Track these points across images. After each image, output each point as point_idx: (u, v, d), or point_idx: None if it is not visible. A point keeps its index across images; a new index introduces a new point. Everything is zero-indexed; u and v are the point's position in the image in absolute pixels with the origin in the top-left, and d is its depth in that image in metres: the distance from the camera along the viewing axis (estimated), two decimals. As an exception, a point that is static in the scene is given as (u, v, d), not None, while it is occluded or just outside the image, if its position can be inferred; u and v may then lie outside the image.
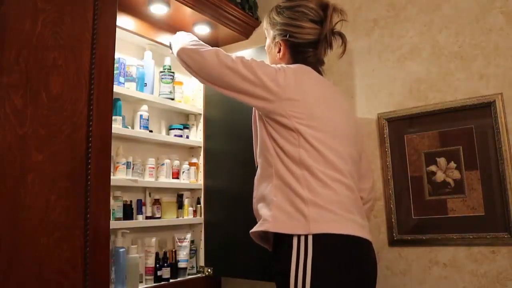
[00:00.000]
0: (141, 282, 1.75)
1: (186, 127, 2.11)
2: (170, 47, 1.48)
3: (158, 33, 1.95)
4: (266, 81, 1.17)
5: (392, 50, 1.81)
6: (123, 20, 1.78)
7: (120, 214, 1.70)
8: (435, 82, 1.70)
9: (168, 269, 1.83)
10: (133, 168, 1.80)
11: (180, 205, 2.02)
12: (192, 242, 2.00)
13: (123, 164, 1.73)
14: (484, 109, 1.59)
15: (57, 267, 1.11)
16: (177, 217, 1.98)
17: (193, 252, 2.01)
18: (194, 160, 2.12)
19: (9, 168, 1.05)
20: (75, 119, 1.20)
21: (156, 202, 1.90)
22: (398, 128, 1.76)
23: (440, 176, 1.65)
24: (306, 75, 1.25)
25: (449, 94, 1.67)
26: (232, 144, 1.96)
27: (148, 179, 1.87)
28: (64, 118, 1.17)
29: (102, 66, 1.28)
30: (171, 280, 1.84)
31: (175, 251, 1.92)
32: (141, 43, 1.98)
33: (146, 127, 1.86)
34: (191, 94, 2.20)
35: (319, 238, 1.08)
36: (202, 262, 2.01)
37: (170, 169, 1.98)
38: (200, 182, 2.09)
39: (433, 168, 1.67)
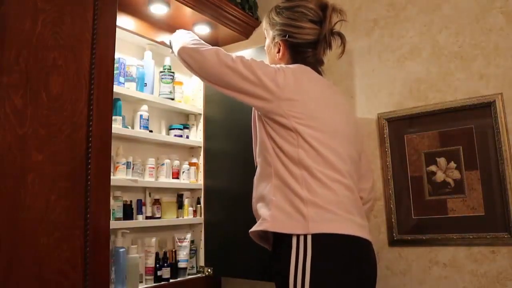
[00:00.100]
0: (141, 282, 1.75)
1: (186, 127, 2.11)
2: (170, 45, 1.48)
3: (158, 33, 1.95)
4: (266, 80, 1.17)
5: (392, 50, 1.81)
6: (123, 20, 1.78)
7: (120, 214, 1.70)
8: (435, 82, 1.70)
9: (168, 269, 1.83)
10: (133, 168, 1.80)
11: (180, 205, 2.02)
12: (192, 242, 2.00)
13: (123, 164, 1.73)
14: (484, 109, 1.59)
15: (57, 267, 1.11)
16: (177, 217, 1.98)
17: (193, 252, 2.01)
18: (194, 160, 2.12)
19: (9, 168, 1.05)
20: (75, 119, 1.20)
21: (156, 202, 1.90)
22: (398, 128, 1.76)
23: (440, 176, 1.65)
24: (305, 75, 1.25)
25: (449, 94, 1.67)
26: (232, 144, 1.96)
27: (148, 179, 1.87)
28: (64, 118, 1.17)
29: (102, 66, 1.28)
30: (171, 280, 1.84)
31: (175, 251, 1.92)
32: (141, 43, 1.98)
33: (146, 127, 1.86)
34: (191, 94, 2.20)
35: (318, 238, 1.08)
36: (202, 262, 2.01)
37: (170, 169, 1.98)
38: (200, 182, 2.09)
39: (433, 168, 1.67)
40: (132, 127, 1.85)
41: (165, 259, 1.85)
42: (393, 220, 1.71)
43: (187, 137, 2.10)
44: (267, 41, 1.40)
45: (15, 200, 1.05)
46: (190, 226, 2.08)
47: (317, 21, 1.30)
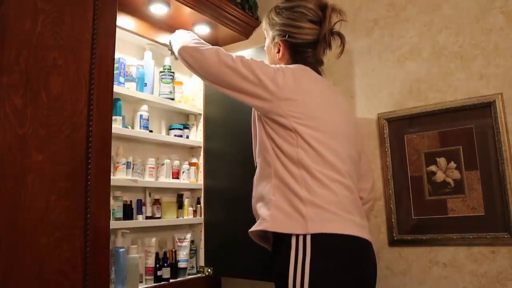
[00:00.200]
0: (141, 282, 1.75)
1: (186, 127, 2.11)
2: (169, 45, 1.48)
3: (158, 33, 1.95)
4: (265, 80, 1.17)
5: (392, 50, 1.81)
6: (123, 20, 1.78)
7: (120, 214, 1.70)
8: (435, 82, 1.70)
9: (168, 269, 1.83)
10: (133, 168, 1.80)
11: (180, 205, 2.02)
12: (192, 242, 2.00)
13: (123, 164, 1.73)
14: (484, 109, 1.59)
15: (57, 267, 1.11)
16: (177, 217, 1.98)
17: (193, 252, 2.01)
18: (194, 160, 2.12)
19: (9, 168, 1.05)
20: (75, 119, 1.20)
21: (156, 202, 1.90)
22: (398, 128, 1.76)
23: (440, 176, 1.65)
24: (305, 75, 1.25)
25: (449, 94, 1.67)
26: (232, 144, 1.96)
27: (148, 179, 1.87)
28: (64, 118, 1.17)
29: (102, 66, 1.28)
30: (171, 280, 1.84)
31: (175, 251, 1.92)
32: (141, 43, 1.98)
33: (146, 127, 1.87)
34: (191, 94, 2.20)
35: (317, 238, 1.08)
36: (202, 262, 2.02)
37: (170, 169, 1.98)
38: (200, 182, 2.09)
39: (433, 168, 1.67)
40: (132, 127, 1.85)
41: (165, 259, 1.85)
42: (393, 220, 1.71)
43: (187, 137, 2.10)
44: (267, 41, 1.40)
45: (15, 200, 1.05)
46: (190, 226, 2.08)
47: (317, 21, 1.30)
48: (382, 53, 1.84)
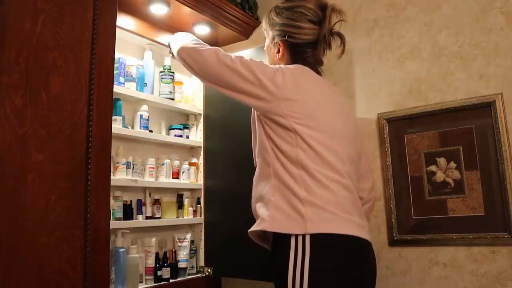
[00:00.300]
0: (141, 282, 1.75)
1: (186, 127, 2.11)
2: (169, 47, 1.48)
3: (158, 33, 1.95)
4: (264, 80, 1.17)
5: (392, 50, 1.81)
6: (123, 20, 1.78)
7: (120, 214, 1.70)
8: (435, 82, 1.70)
9: (168, 269, 1.83)
10: (133, 168, 1.80)
11: (180, 205, 2.02)
12: (192, 242, 2.00)
13: (123, 164, 1.73)
14: (484, 109, 1.59)
15: (57, 267, 1.11)
16: (177, 217, 1.98)
17: (193, 252, 2.01)
18: (194, 160, 2.12)
19: (9, 168, 1.05)
20: (75, 119, 1.20)
21: (156, 202, 1.90)
22: (398, 128, 1.76)
23: (440, 176, 1.65)
24: (304, 75, 1.25)
25: (449, 94, 1.67)
26: (232, 144, 1.96)
27: (148, 179, 1.87)
28: (64, 118, 1.17)
29: (102, 66, 1.28)
30: (171, 280, 1.84)
31: (175, 251, 1.92)
32: (141, 43, 1.98)
33: (146, 127, 1.87)
34: (191, 94, 2.20)
35: (316, 238, 1.08)
36: (202, 262, 2.02)
37: (170, 169, 1.98)
38: (200, 182, 2.09)
39: (433, 168, 1.67)
40: (132, 127, 1.85)
41: (165, 259, 1.85)
42: (393, 220, 1.71)
43: (187, 137, 2.10)
44: (267, 41, 1.40)
45: (15, 200, 1.05)
46: (190, 226, 2.08)
47: (317, 21, 1.30)
48: (382, 53, 1.84)
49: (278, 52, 1.34)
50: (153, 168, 1.90)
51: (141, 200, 1.85)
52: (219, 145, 2.05)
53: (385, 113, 1.79)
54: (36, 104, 1.11)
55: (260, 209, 1.20)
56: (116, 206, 1.69)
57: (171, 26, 1.98)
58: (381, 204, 1.75)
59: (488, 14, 1.63)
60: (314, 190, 1.12)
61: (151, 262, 1.79)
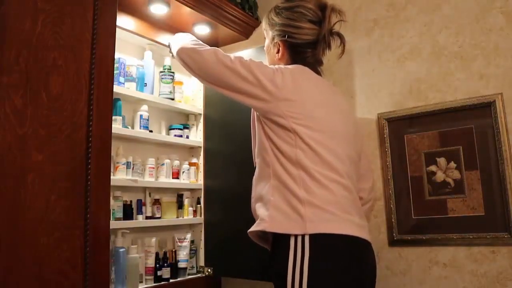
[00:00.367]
0: (141, 282, 1.75)
1: (186, 127, 2.11)
2: (169, 47, 1.48)
3: (158, 33, 1.95)
4: (264, 81, 1.17)
5: (392, 50, 1.81)
6: (123, 20, 1.78)
7: (120, 214, 1.70)
8: (435, 82, 1.70)
9: (168, 269, 1.83)
10: (133, 168, 1.80)
11: (180, 205, 2.02)
12: (192, 242, 2.00)
13: (123, 164, 1.73)
14: (484, 109, 1.59)
15: (57, 267, 1.11)
16: (177, 217, 1.98)
17: (193, 252, 2.01)
18: (194, 160, 2.12)
19: (9, 168, 1.05)
20: (75, 119, 1.20)
21: (156, 202, 1.90)
22: (398, 128, 1.76)
23: (440, 176, 1.65)
24: (304, 75, 1.25)
25: (449, 94, 1.67)
26: (232, 144, 1.96)
27: (148, 179, 1.87)
28: (64, 118, 1.17)
29: (102, 66, 1.28)
30: (171, 280, 1.84)
31: (175, 251, 1.92)
32: (141, 43, 1.98)
33: (146, 127, 1.87)
34: (191, 94, 2.20)
35: (315, 238, 1.08)
36: (202, 262, 2.02)
37: (170, 169, 1.98)
38: (200, 182, 2.09)
39: (433, 168, 1.67)
40: (132, 127, 1.85)
41: (165, 259, 1.85)
42: (393, 220, 1.71)
43: (187, 137, 2.10)
44: (267, 41, 1.40)
45: (15, 200, 1.05)
46: (190, 226, 2.08)
47: (316, 21, 1.30)
48: (382, 53, 1.84)
49: (278, 52, 1.34)
50: (153, 168, 1.90)
51: (141, 200, 1.85)
52: (219, 145, 2.05)
53: (385, 113, 1.79)
54: (36, 104, 1.11)
55: (259, 209, 1.20)
56: (116, 206, 1.69)
57: (171, 26, 1.98)
58: (381, 204, 1.75)
59: (488, 14, 1.63)
60: (313, 190, 1.12)
61: (151, 262, 1.79)
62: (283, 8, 1.34)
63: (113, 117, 1.51)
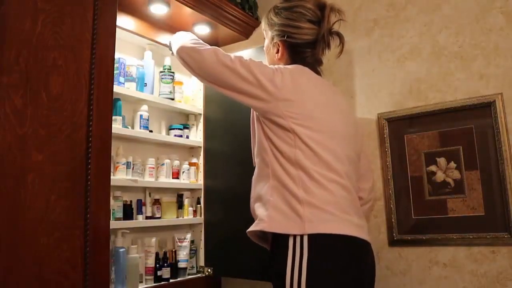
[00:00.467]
0: (141, 282, 1.75)
1: (186, 127, 2.11)
2: (169, 46, 1.48)
3: (158, 33, 1.95)
4: (263, 81, 1.17)
5: (392, 50, 1.81)
6: (123, 20, 1.78)
7: (120, 214, 1.70)
8: (435, 82, 1.70)
9: (168, 269, 1.83)
10: (133, 168, 1.80)
11: (180, 205, 2.02)
12: (192, 242, 2.00)
13: (123, 164, 1.73)
14: (484, 109, 1.59)
15: (57, 267, 1.11)
16: (177, 217, 1.98)
17: (193, 252, 2.01)
18: (194, 160, 2.12)
19: (9, 168, 1.05)
20: (75, 119, 1.20)
21: (156, 202, 1.90)
22: (398, 128, 1.76)
23: (440, 176, 1.65)
24: (303, 75, 1.25)
25: (449, 94, 1.67)
26: (232, 144, 1.96)
27: (148, 179, 1.87)
28: (64, 118, 1.17)
29: (102, 66, 1.28)
30: (171, 280, 1.84)
31: (175, 251, 1.92)
32: (141, 43, 1.98)
33: (146, 127, 1.87)
34: (191, 94, 2.20)
35: (314, 238, 1.08)
36: (202, 262, 2.02)
37: (170, 169, 1.98)
38: (200, 182, 2.09)
39: (433, 168, 1.67)
40: (132, 127, 1.85)
41: (165, 259, 1.85)
42: (393, 220, 1.71)
43: (187, 137, 2.10)
44: (266, 41, 1.40)
45: (15, 200, 1.05)
46: (190, 226, 2.08)
47: (316, 21, 1.30)
48: (382, 53, 1.84)
49: (278, 52, 1.34)
50: (153, 168, 1.90)
51: (141, 200, 1.85)
52: (219, 145, 2.05)
53: (385, 113, 1.79)
54: (36, 104, 1.11)
55: (258, 209, 1.20)
56: (116, 206, 1.69)
57: (171, 26, 1.98)
58: (381, 204, 1.75)
59: (488, 14, 1.63)
60: (312, 190, 1.12)
61: (151, 262, 1.79)
62: (282, 8, 1.34)
63: (113, 117, 1.51)
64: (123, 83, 1.79)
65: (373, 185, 1.45)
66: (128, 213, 1.75)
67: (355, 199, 1.21)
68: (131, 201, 1.79)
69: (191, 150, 2.17)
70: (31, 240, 1.07)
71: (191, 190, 2.09)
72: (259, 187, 1.22)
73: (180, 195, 2.04)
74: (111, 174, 1.36)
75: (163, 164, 1.94)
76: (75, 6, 1.24)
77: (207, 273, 1.97)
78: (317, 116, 1.19)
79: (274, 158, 1.18)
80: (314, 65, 1.34)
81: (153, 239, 1.82)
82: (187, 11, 1.89)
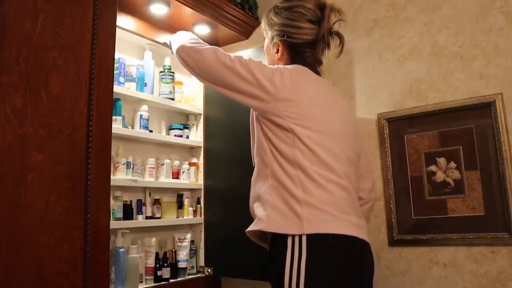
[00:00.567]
0: (141, 282, 1.75)
1: (186, 127, 2.11)
2: (169, 45, 1.48)
3: (158, 33, 1.95)
4: (263, 80, 1.17)
5: (392, 50, 1.81)
6: (123, 20, 1.78)
7: (120, 214, 1.70)
8: (435, 82, 1.70)
9: (168, 269, 1.83)
10: (133, 168, 1.80)
11: (180, 205, 2.02)
12: (192, 242, 2.00)
13: (123, 164, 1.73)
14: (484, 109, 1.59)
15: (57, 267, 1.11)
16: (177, 217, 1.98)
17: (193, 252, 2.01)
18: (194, 160, 2.12)
19: (9, 168, 1.05)
20: (75, 119, 1.20)
21: (156, 202, 1.90)
22: (398, 128, 1.76)
23: (440, 176, 1.65)
24: (303, 75, 1.25)
25: (449, 94, 1.67)
26: (232, 144, 1.96)
27: (148, 179, 1.87)
28: (64, 118, 1.17)
29: (102, 66, 1.28)
30: (171, 280, 1.84)
31: (175, 251, 1.92)
32: (141, 43, 1.98)
33: (146, 127, 1.87)
34: (191, 94, 2.20)
35: (313, 239, 1.08)
36: (202, 262, 2.02)
37: (170, 169, 1.98)
38: (200, 182, 2.09)
39: (433, 168, 1.67)
40: (132, 127, 1.85)
41: (165, 259, 1.85)
42: (393, 220, 1.71)
43: (187, 137, 2.10)
44: (266, 41, 1.40)
45: (15, 200, 1.05)
46: (190, 226, 2.08)
47: (316, 21, 1.30)
48: (382, 53, 1.84)
49: (277, 52, 1.34)
50: (153, 168, 1.90)
51: (141, 200, 1.85)
52: (219, 145, 2.05)
53: (385, 113, 1.79)
54: (36, 104, 1.11)
55: (257, 209, 1.20)
56: (116, 206, 1.69)
57: (171, 26, 1.98)
58: (381, 204, 1.75)
59: (488, 14, 1.63)
60: (311, 190, 1.12)
61: (151, 262, 1.79)
62: (282, 8, 1.34)
63: (113, 117, 1.51)
64: (123, 83, 1.79)
65: (373, 185, 1.45)
66: (128, 213, 1.75)
67: (354, 199, 1.21)
68: (131, 201, 1.79)
69: (191, 150, 2.17)
70: (31, 240, 1.07)
71: (191, 190, 2.09)
72: (258, 187, 1.22)
73: (180, 195, 2.04)
74: (111, 174, 1.36)
75: (163, 164, 1.94)
76: (75, 6, 1.24)
77: (207, 273, 1.97)
78: (317, 116, 1.19)
79: (273, 158, 1.18)
80: (314, 65, 1.34)
81: (153, 239, 1.82)
82: (187, 11, 1.89)
